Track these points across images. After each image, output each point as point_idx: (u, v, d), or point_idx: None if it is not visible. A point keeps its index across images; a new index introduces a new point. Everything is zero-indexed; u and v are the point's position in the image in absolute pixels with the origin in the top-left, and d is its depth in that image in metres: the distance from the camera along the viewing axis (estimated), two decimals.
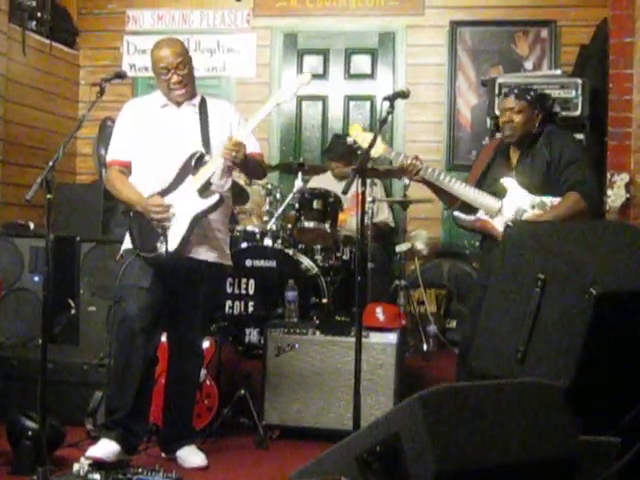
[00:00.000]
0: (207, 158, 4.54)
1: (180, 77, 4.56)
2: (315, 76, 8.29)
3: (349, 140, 5.57)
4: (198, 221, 4.50)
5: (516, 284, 3.48)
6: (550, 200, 4.82)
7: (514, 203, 4.85)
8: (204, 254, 4.60)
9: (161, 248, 4.44)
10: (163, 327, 4.67)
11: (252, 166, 4.71)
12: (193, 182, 4.50)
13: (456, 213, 5.03)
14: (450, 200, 5.06)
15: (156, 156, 4.58)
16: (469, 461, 2.56)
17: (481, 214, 4.91)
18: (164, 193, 4.51)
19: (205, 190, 4.50)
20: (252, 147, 4.67)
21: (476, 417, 2.69)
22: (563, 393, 2.94)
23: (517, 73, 7.54)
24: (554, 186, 4.86)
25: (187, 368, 4.78)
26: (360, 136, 4.97)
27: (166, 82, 4.57)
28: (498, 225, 4.84)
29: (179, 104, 4.66)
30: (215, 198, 4.51)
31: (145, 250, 4.51)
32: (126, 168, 4.66)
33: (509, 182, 4.89)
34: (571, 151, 4.93)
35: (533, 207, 4.83)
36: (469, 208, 4.96)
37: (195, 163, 4.51)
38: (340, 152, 7.22)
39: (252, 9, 8.35)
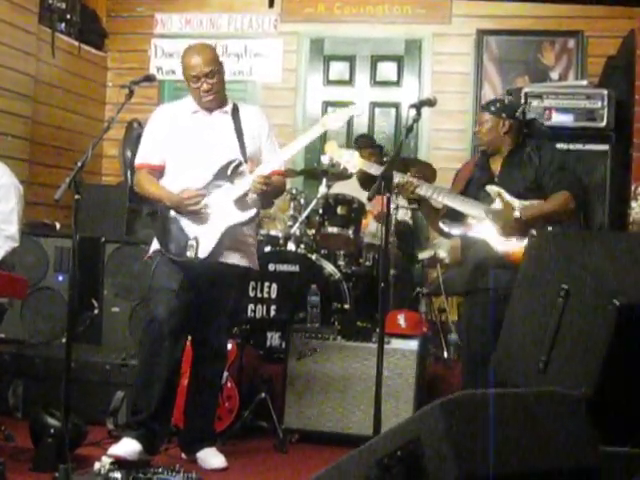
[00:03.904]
0: (243, 167, 4.55)
1: (210, 85, 4.56)
2: (340, 82, 8.46)
3: (323, 159, 5.53)
4: (231, 231, 4.51)
5: (539, 294, 3.48)
6: (538, 203, 4.78)
7: (501, 207, 4.81)
8: (235, 259, 4.61)
9: (191, 253, 4.47)
10: (189, 329, 4.68)
11: (271, 193, 4.68)
12: (230, 190, 4.51)
13: (441, 225, 4.97)
14: (433, 216, 5.02)
15: (187, 162, 4.60)
16: (490, 468, 2.56)
17: (470, 221, 4.85)
18: None
19: (241, 201, 4.51)
20: (276, 165, 4.64)
21: (497, 425, 2.69)
22: (584, 403, 2.94)
23: (543, 83, 7.54)
24: (541, 192, 4.84)
25: (210, 371, 4.79)
26: (336, 152, 4.91)
27: (196, 89, 4.59)
28: (485, 230, 4.79)
29: (210, 111, 4.67)
30: (252, 212, 4.52)
31: (174, 253, 4.52)
32: (155, 171, 4.68)
33: (495, 188, 4.84)
34: (561, 159, 4.99)
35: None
36: (454, 219, 4.93)
37: (232, 171, 4.52)
38: (367, 142, 7.27)
39: (279, 14, 8.39)
